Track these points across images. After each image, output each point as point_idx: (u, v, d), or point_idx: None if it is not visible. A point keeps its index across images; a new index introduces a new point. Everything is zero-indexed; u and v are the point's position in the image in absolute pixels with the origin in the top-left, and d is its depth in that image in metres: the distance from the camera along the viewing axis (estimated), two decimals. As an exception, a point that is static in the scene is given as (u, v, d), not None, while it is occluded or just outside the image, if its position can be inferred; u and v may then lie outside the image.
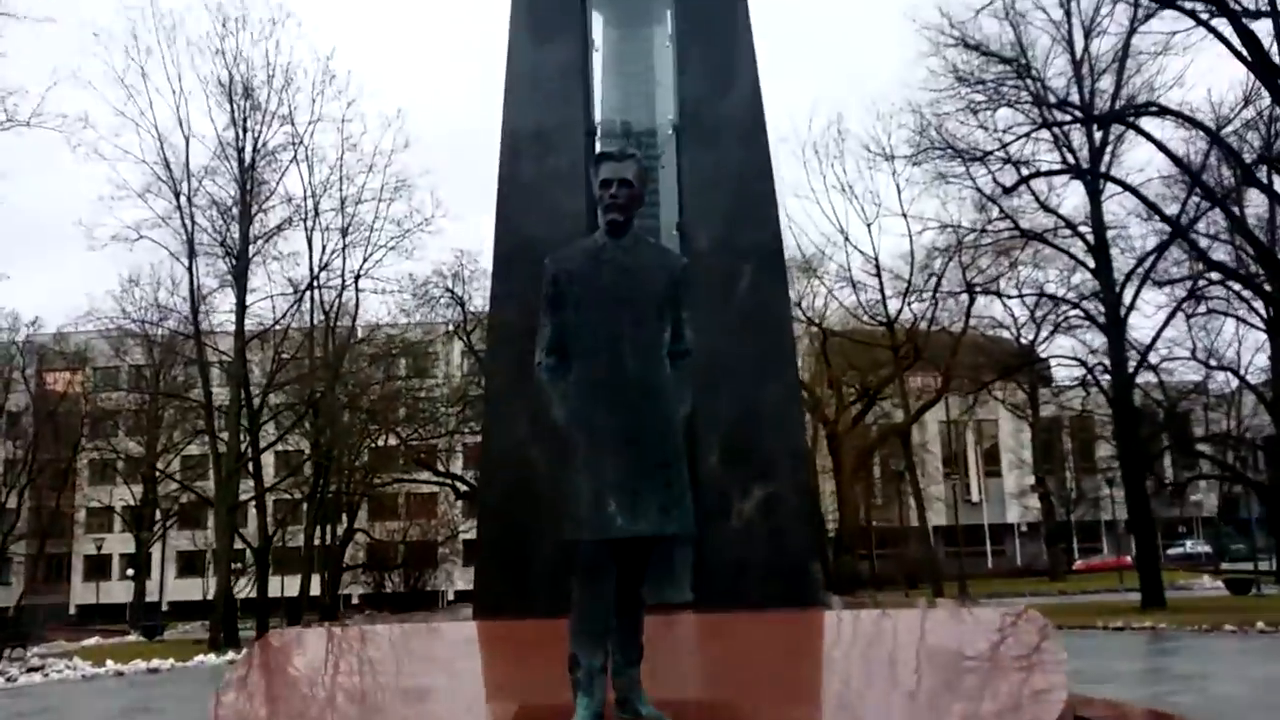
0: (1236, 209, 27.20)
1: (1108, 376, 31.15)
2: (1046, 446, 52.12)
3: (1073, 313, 31.84)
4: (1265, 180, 24.66)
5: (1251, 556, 47.39)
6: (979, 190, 29.89)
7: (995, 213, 30.41)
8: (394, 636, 7.53)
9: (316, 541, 36.98)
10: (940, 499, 50.49)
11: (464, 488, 42.72)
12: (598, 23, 9.67)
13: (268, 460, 36.30)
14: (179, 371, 39.32)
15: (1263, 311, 34.36)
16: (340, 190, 33.79)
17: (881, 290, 36.53)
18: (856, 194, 36.50)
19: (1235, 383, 39.00)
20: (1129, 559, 52.79)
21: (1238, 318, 34.96)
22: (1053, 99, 27.25)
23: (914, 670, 6.26)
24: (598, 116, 9.26)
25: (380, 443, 40.03)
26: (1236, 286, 30.90)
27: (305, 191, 33.32)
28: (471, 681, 6.54)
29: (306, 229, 33.47)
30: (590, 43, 9.41)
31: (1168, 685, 10.14)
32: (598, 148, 8.87)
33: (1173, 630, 18.53)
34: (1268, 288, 27.78)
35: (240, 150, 31.32)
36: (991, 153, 28.08)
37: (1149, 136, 25.71)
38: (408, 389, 40.59)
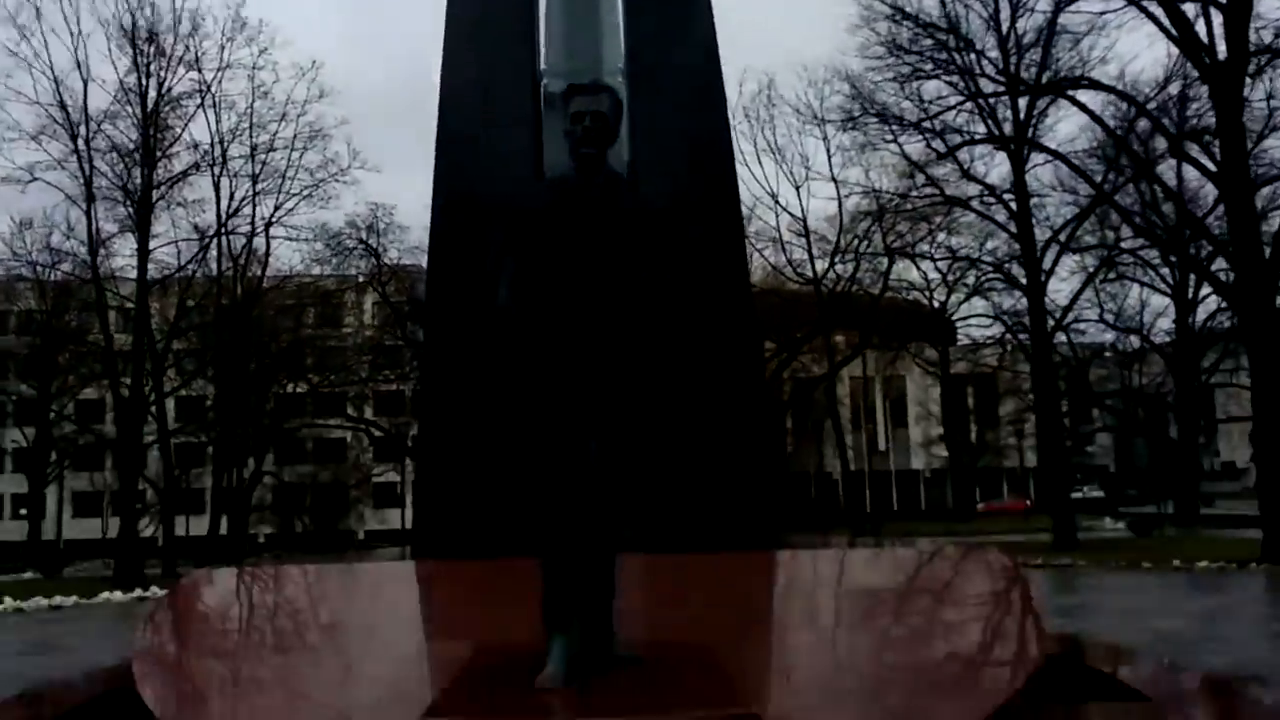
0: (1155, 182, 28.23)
1: (1023, 335, 32.44)
2: (952, 401, 53.62)
3: (991, 276, 32.96)
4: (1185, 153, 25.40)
5: (1141, 501, 51.03)
6: (907, 158, 30.62)
7: (921, 180, 31.14)
8: (323, 576, 7.25)
9: (223, 485, 36.09)
10: (851, 448, 51.86)
11: (379, 433, 42.06)
12: (543, -34, 9.29)
13: (169, 404, 35.18)
14: (73, 316, 37.66)
15: (1169, 278, 36.18)
16: (251, 138, 32.54)
17: (809, 250, 37.18)
18: (786, 158, 36.93)
19: (1139, 343, 40.99)
20: (1028, 502, 55.57)
21: (1144, 283, 36.91)
22: (986, 68, 27.80)
23: (883, 609, 6.25)
24: (542, 64, 8.93)
25: (289, 389, 39.11)
26: (1147, 255, 32.34)
27: (213, 138, 32.02)
28: (416, 621, 6.34)
29: (214, 175, 32.22)
30: (535, -14, 9.04)
31: (1106, 620, 10.21)
32: (543, 94, 8.58)
33: (1091, 568, 19.10)
34: (1175, 256, 29.03)
35: (143, 95, 29.65)
36: (921, 121, 28.59)
37: (1080, 105, 26.31)
38: (318, 336, 39.61)
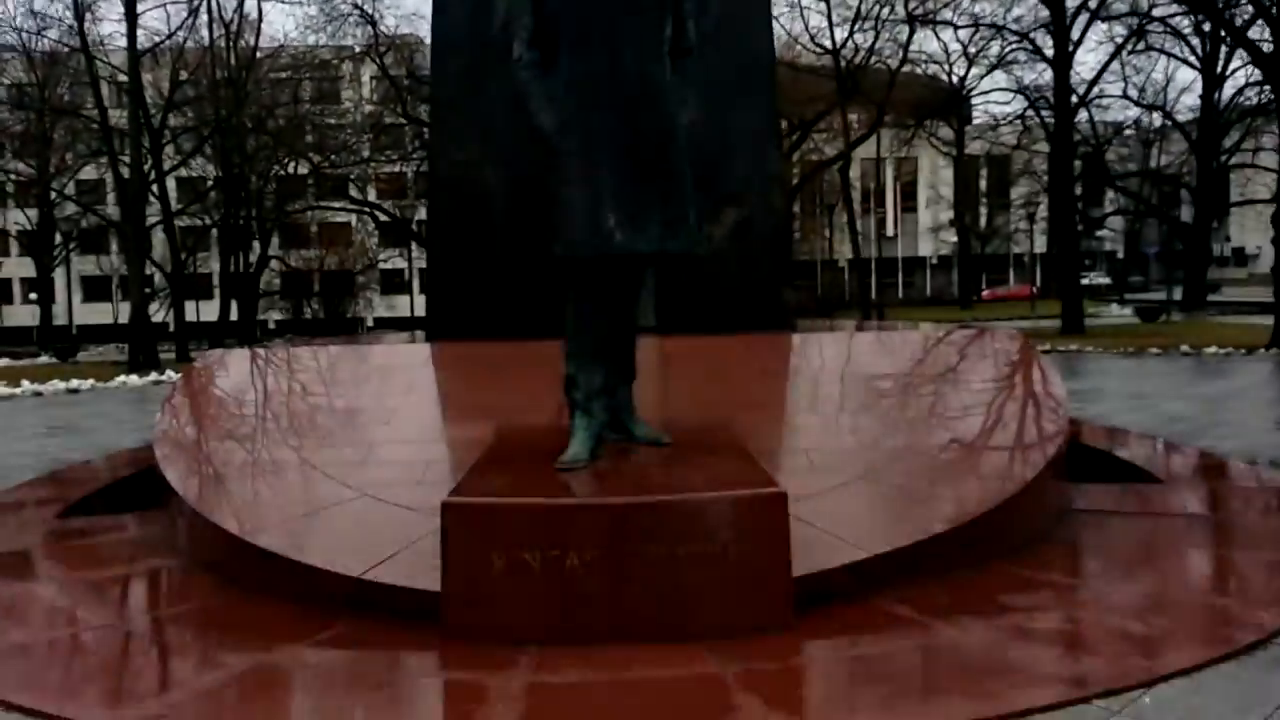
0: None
1: (1045, 112, 31.54)
2: (964, 184, 52.72)
3: (1015, 46, 31.75)
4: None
5: (1146, 288, 51.31)
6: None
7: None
8: (337, 359, 7.20)
9: (230, 270, 36.10)
10: (860, 233, 51.48)
11: (384, 217, 41.63)
12: None
13: (169, 186, 34.68)
14: (65, 89, 36.49)
15: (1199, 49, 34.73)
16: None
17: (829, 16, 35.57)
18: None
19: (1160, 122, 39.94)
20: (1033, 289, 56.13)
21: (1174, 55, 35.56)
22: None
23: (904, 388, 6.22)
24: None
25: (290, 169, 38.40)
26: (1179, 24, 30.85)
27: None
28: (435, 402, 6.33)
29: (198, -74, 30.49)
30: None
31: (1114, 404, 10.20)
32: None
33: (1098, 353, 19.11)
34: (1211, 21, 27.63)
35: None
36: None
37: None
38: (316, 113, 38.49)
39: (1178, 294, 37.97)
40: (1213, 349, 17.65)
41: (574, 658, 3.29)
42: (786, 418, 5.74)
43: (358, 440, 5.36)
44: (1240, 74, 33.86)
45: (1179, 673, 3.06)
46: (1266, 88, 25.37)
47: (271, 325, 48.75)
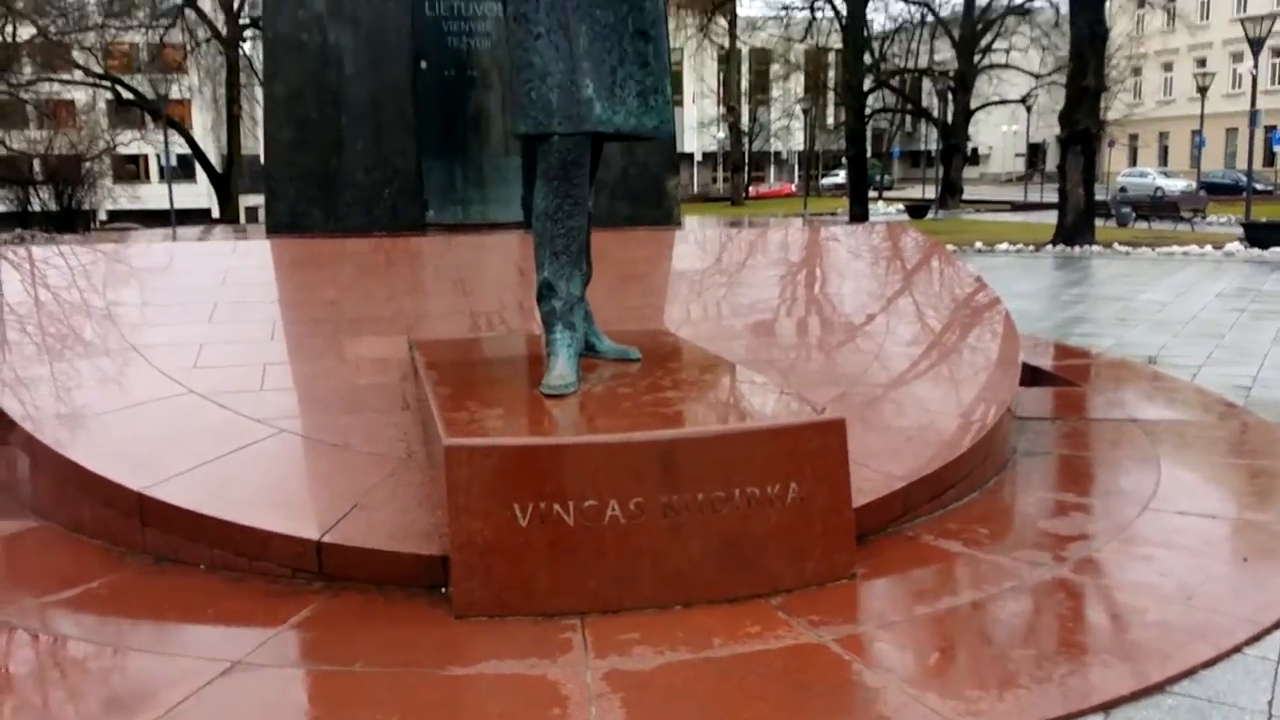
0: None
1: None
2: (727, 80, 52.84)
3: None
4: None
5: (891, 186, 54.54)
6: None
7: None
8: (168, 256, 6.02)
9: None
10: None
11: (129, 94, 37.05)
12: None
13: None
14: None
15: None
16: None
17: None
18: None
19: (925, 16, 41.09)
20: (791, 187, 57.67)
21: None
22: None
23: (847, 291, 5.82)
24: None
25: (6, 35, 33.43)
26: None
27: None
28: (316, 313, 5.35)
29: None
30: None
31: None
32: None
33: (896, 250, 19.54)
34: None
35: None
36: None
37: None
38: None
39: (930, 192, 39.97)
40: (1004, 245, 18.40)
41: (633, 631, 2.71)
42: (731, 324, 5.22)
43: (243, 362, 4.41)
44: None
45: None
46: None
47: (-12, 220, 42.96)
